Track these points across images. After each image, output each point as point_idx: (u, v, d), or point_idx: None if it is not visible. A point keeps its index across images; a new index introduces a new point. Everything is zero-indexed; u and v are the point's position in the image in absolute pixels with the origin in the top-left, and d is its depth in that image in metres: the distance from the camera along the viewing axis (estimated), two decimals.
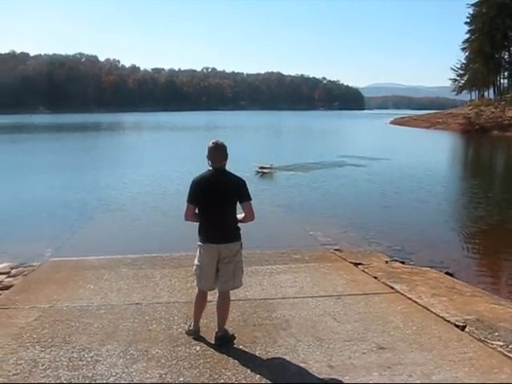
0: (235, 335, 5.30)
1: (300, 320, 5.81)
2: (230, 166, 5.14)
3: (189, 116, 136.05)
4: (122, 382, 4.43)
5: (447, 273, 8.79)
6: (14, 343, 5.25)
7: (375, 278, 7.68)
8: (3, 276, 8.70)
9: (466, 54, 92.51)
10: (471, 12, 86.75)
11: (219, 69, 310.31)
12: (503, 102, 67.96)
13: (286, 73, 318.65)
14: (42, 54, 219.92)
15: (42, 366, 4.74)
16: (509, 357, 4.84)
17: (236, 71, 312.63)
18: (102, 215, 14.86)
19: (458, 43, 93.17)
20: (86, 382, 4.44)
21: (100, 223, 13.83)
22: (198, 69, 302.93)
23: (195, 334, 5.35)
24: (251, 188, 5.21)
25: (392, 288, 7.11)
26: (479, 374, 4.50)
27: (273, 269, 8.06)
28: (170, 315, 5.98)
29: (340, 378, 4.45)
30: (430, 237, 12.13)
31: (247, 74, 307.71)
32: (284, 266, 8.27)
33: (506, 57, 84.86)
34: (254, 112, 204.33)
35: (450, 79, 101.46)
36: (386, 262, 9.23)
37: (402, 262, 9.46)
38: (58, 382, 4.44)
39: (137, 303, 6.48)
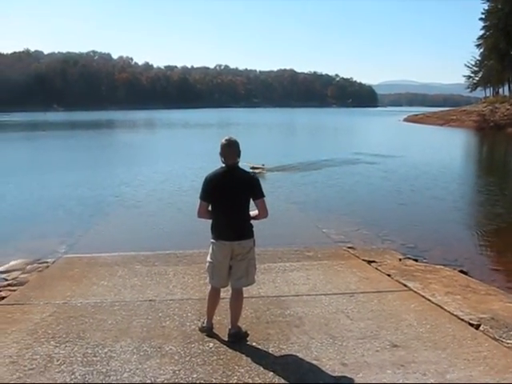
0: (248, 332, 5.31)
1: (313, 317, 5.80)
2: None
3: (201, 113, 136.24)
4: (136, 378, 4.46)
5: (461, 271, 8.72)
6: (30, 338, 5.31)
7: (388, 275, 7.66)
8: (18, 272, 8.81)
9: (481, 50, 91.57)
10: (486, 8, 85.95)
11: (232, 66, 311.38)
12: None
13: (298, 70, 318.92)
14: (56, 51, 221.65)
15: (57, 361, 4.79)
16: None
17: (249, 68, 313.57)
18: (116, 212, 14.92)
19: (472, 40, 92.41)
20: (100, 377, 4.47)
21: (114, 220, 13.88)
22: (211, 66, 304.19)
23: (208, 331, 5.37)
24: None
25: (405, 286, 7.09)
26: (494, 373, 4.48)
27: (286, 266, 8.07)
28: (184, 312, 6.00)
29: (353, 376, 4.44)
30: (444, 234, 12.04)
31: (260, 72, 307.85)
32: (297, 263, 8.28)
33: None
34: (267, 109, 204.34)
35: (464, 76, 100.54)
36: (400, 259, 9.19)
37: (416, 260, 9.41)
38: (72, 377, 4.48)
39: (150, 300, 6.51)
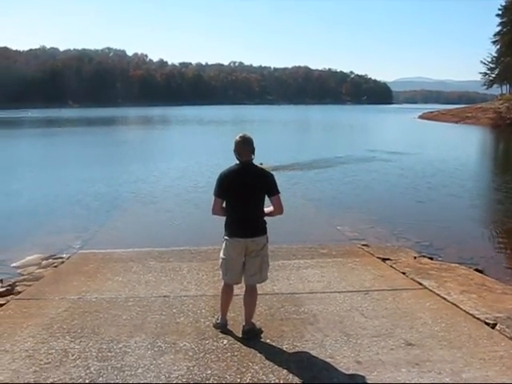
0: (263, 329, 5.31)
1: (327, 315, 5.79)
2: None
3: (216, 110, 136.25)
4: (150, 373, 4.48)
5: (477, 269, 8.64)
6: (45, 333, 5.35)
7: (403, 273, 7.62)
8: (34, 267, 8.89)
9: (497, 47, 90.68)
10: (503, 4, 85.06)
11: (246, 63, 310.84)
12: None
13: (313, 67, 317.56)
14: (72, 49, 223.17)
15: (72, 356, 4.83)
16: None
17: (263, 65, 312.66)
18: (131, 208, 14.97)
19: (488, 36, 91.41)
20: (115, 372, 4.50)
21: (129, 216, 13.93)
22: (226, 63, 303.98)
23: (223, 328, 5.38)
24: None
25: (420, 284, 7.05)
26: (510, 373, 4.44)
27: (300, 263, 8.06)
28: (198, 308, 6.02)
29: (368, 374, 4.42)
30: (459, 232, 11.94)
31: (274, 68, 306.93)
32: (311, 260, 8.25)
33: None
34: (281, 106, 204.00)
35: (480, 73, 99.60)
36: (415, 257, 9.13)
37: (431, 258, 9.35)
38: (87, 372, 4.51)
39: (164, 296, 6.53)
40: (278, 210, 5.12)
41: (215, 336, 5.24)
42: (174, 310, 5.99)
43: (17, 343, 5.11)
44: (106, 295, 6.61)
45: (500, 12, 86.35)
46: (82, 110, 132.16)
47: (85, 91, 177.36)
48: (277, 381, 4.34)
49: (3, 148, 36.78)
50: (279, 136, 50.12)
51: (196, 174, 21.24)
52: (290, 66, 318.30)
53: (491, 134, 56.13)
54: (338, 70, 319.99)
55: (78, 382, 4.35)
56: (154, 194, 17.07)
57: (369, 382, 4.32)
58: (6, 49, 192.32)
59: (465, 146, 39.81)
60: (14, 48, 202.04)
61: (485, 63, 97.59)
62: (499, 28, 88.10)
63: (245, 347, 4.97)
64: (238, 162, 5.06)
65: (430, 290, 6.75)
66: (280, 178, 17.89)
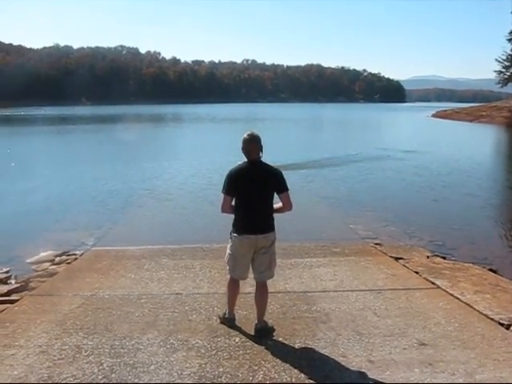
0: (275, 327, 5.31)
1: (340, 314, 5.79)
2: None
3: (229, 108, 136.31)
4: (163, 370, 4.50)
5: (491, 269, 8.57)
6: (59, 329, 5.40)
7: (416, 272, 7.59)
8: (48, 264, 8.95)
9: None
10: None
11: (259, 61, 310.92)
12: None
13: (326, 65, 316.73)
14: (85, 46, 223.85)
15: (85, 352, 4.86)
16: None
17: (276, 63, 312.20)
18: (145, 205, 14.99)
19: (504, 34, 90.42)
20: (128, 369, 4.53)
21: (142, 213, 13.96)
22: (238, 61, 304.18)
23: (231, 322, 5.44)
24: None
25: (433, 283, 7.02)
26: None
27: (312, 262, 8.04)
28: (210, 306, 6.04)
29: (380, 374, 4.41)
30: (473, 232, 11.84)
31: (287, 66, 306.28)
32: (324, 259, 8.24)
33: None
34: (294, 104, 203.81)
35: (495, 71, 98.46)
36: (428, 256, 9.08)
37: (444, 258, 9.28)
38: (100, 368, 4.54)
39: (177, 293, 6.56)
40: (287, 206, 5.16)
41: (227, 334, 5.25)
42: (187, 308, 6.01)
43: (31, 339, 5.17)
44: (119, 292, 6.64)
45: None
46: (95, 108, 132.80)
47: (98, 89, 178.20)
48: (289, 379, 4.35)
49: (19, 145, 37.03)
50: (292, 134, 50.07)
51: (210, 172, 21.21)
52: (302, 63, 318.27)
53: (506, 132, 55.60)
54: (351, 68, 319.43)
55: (91, 377, 4.38)
56: (168, 191, 17.09)
57: (381, 381, 4.30)
58: (20, 47, 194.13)
59: (479, 144, 39.50)
60: (28, 46, 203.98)
61: (500, 61, 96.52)
62: None
63: (257, 345, 4.98)
64: (246, 160, 5.11)
65: (444, 290, 6.71)
66: (294, 176, 18.00)
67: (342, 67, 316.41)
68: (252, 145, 5.06)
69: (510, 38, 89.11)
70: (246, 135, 5.10)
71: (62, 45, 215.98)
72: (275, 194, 5.16)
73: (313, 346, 4.97)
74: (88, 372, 4.48)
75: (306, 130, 62.00)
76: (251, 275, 5.29)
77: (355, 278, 7.18)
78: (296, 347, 4.96)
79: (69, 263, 8.56)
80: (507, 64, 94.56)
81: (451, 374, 4.42)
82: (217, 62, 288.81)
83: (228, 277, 5.44)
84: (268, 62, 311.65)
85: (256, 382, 4.31)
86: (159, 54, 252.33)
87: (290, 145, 33.44)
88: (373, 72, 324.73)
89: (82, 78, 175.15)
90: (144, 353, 4.85)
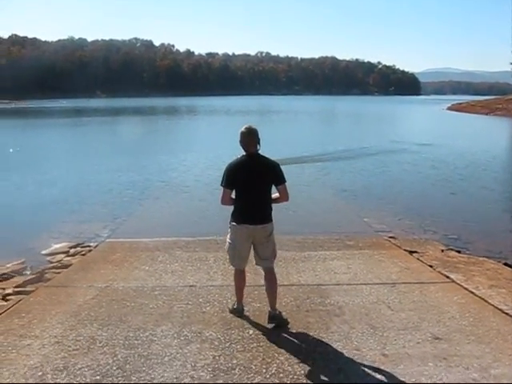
0: (289, 320, 5.32)
1: (353, 307, 5.78)
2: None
3: (243, 100, 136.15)
4: (176, 362, 4.53)
5: (506, 264, 8.49)
6: (73, 320, 5.44)
7: (430, 266, 7.55)
8: (62, 255, 9.03)
9: None
10: None
11: (273, 53, 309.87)
12: None
13: (340, 57, 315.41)
14: (99, 39, 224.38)
15: (100, 343, 4.90)
16: None
17: (290, 55, 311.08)
18: (160, 197, 15.05)
19: None
20: (142, 360, 4.56)
21: (157, 205, 14.02)
22: (252, 53, 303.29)
23: (240, 313, 5.52)
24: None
25: (448, 277, 6.98)
26: None
27: (326, 254, 8.03)
28: (224, 298, 6.05)
29: (394, 368, 4.40)
30: (488, 226, 11.71)
31: (301, 59, 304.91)
32: (337, 252, 8.23)
33: None
34: (308, 97, 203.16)
35: None
36: (442, 250, 9.04)
37: (459, 252, 9.23)
38: (114, 359, 4.57)
39: (191, 285, 6.58)
40: (284, 197, 5.29)
41: (241, 326, 5.27)
42: (200, 300, 6.03)
43: (46, 329, 5.21)
44: (133, 284, 6.68)
45: None
46: (109, 100, 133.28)
47: (112, 81, 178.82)
48: (302, 372, 4.35)
49: (37, 137, 37.29)
50: (307, 126, 49.95)
51: (226, 164, 21.21)
52: (317, 56, 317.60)
53: None
54: (366, 61, 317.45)
55: (106, 368, 4.41)
56: (184, 183, 17.19)
57: (395, 375, 4.29)
58: (35, 39, 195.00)
59: (495, 138, 39.13)
60: (43, 39, 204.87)
61: None
62: None
63: (270, 338, 4.98)
64: (244, 153, 5.22)
65: (458, 284, 6.68)
66: (310, 169, 17.98)
67: (357, 59, 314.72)
68: (250, 138, 5.16)
69: None
70: (243, 129, 5.19)
71: (76, 37, 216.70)
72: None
73: (326, 339, 4.96)
74: (102, 363, 4.51)
75: (321, 122, 61.88)
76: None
77: (369, 272, 7.16)
78: (309, 340, 4.96)
79: (83, 255, 8.63)
80: None
81: (465, 368, 4.39)
82: (231, 54, 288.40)
83: (231, 268, 5.61)
84: (282, 55, 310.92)
85: (269, 374, 4.32)
86: (173, 46, 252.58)
87: (306, 137, 33.29)
88: (387, 64, 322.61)
89: (97, 70, 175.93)
90: (158, 344, 4.87)
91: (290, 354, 4.65)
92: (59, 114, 74.96)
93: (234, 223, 5.29)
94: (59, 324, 5.35)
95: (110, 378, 4.26)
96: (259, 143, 5.20)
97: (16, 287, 7.22)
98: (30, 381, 4.24)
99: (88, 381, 4.23)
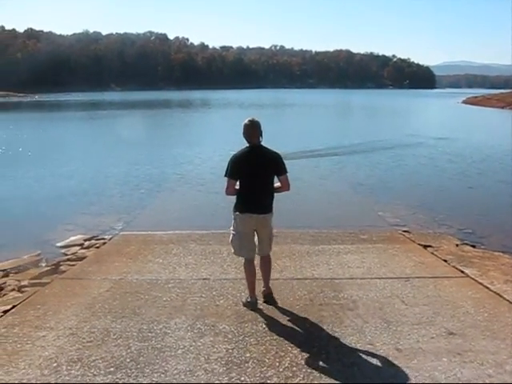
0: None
1: (367, 301, 5.76)
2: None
3: (257, 93, 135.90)
4: (190, 355, 4.54)
5: None
6: (88, 312, 5.48)
7: (445, 261, 7.51)
8: (77, 248, 9.10)
9: None
10: None
11: (287, 46, 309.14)
12: None
13: (355, 50, 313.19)
14: (114, 33, 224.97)
15: (114, 335, 4.94)
16: None
17: (304, 49, 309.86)
18: (175, 190, 15.12)
19: None
20: (155, 353, 4.58)
21: (172, 198, 14.09)
22: (267, 46, 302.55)
23: (253, 306, 5.59)
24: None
25: (462, 272, 6.95)
26: None
27: (340, 248, 8.01)
28: (237, 291, 6.06)
29: (407, 362, 4.38)
30: (504, 220, 11.55)
31: (316, 52, 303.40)
32: (351, 245, 8.21)
33: None
34: (322, 90, 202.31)
35: None
36: (457, 245, 8.98)
37: (473, 246, 9.17)
38: (128, 351, 4.60)
39: (204, 278, 6.60)
40: (285, 187, 5.51)
41: (254, 319, 5.28)
42: (214, 293, 6.05)
43: (61, 321, 5.26)
44: (147, 277, 6.71)
45: None
46: (124, 94, 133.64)
47: (127, 74, 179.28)
48: (315, 366, 4.35)
49: (54, 130, 37.53)
50: (322, 120, 49.75)
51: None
52: (331, 49, 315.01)
53: None
54: (380, 54, 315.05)
55: (120, 360, 4.44)
56: (199, 175, 17.28)
57: (409, 370, 4.27)
58: (50, 33, 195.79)
59: (511, 131, 38.71)
60: (58, 32, 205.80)
61: None
62: None
63: (284, 331, 4.99)
64: (247, 144, 5.42)
65: (473, 279, 6.63)
66: (326, 162, 17.91)
67: (371, 53, 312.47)
68: (253, 130, 5.37)
69: None
70: (246, 121, 5.40)
71: (91, 31, 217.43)
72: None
73: (340, 333, 4.96)
74: (116, 355, 4.54)
75: (336, 115, 61.66)
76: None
77: (383, 266, 7.13)
78: (323, 334, 4.96)
79: (98, 247, 8.69)
80: None
81: (480, 364, 4.36)
82: (245, 47, 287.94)
83: (238, 259, 5.88)
84: (296, 48, 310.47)
85: (283, 367, 4.32)
86: (187, 39, 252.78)
87: (321, 131, 33.12)
88: (402, 58, 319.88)
89: (111, 63, 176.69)
90: (171, 337, 4.90)
91: (304, 348, 4.65)
92: (75, 107, 75.42)
93: (237, 213, 5.47)
94: (74, 316, 5.39)
95: (124, 370, 4.29)
96: (262, 135, 5.41)
97: (31, 279, 7.30)
98: (45, 371, 4.28)
99: (102, 372, 4.26)
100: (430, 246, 8.42)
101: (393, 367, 4.32)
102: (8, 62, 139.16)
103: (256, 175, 5.35)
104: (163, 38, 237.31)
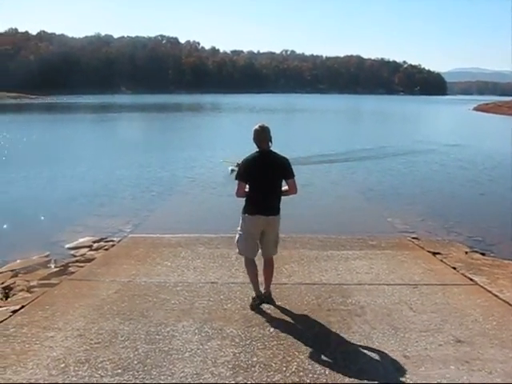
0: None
1: (375, 307, 5.74)
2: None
3: (267, 98, 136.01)
4: (197, 358, 4.55)
5: None
6: (96, 314, 5.50)
7: (454, 268, 7.47)
8: (86, 249, 9.15)
9: None
10: None
11: (298, 51, 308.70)
12: None
13: (365, 56, 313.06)
14: (125, 36, 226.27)
15: (121, 337, 4.95)
16: None
17: (315, 54, 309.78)
18: (187, 193, 15.22)
19: None
20: (162, 355, 4.59)
21: (181, 201, 14.15)
22: (277, 51, 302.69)
23: (260, 299, 5.76)
24: None
25: (471, 280, 6.90)
26: None
27: (348, 254, 7.99)
28: (245, 295, 6.06)
29: (415, 369, 4.36)
30: None
31: (326, 57, 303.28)
32: (360, 251, 8.18)
33: None
34: (333, 95, 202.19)
35: None
36: (466, 252, 8.95)
37: (483, 254, 9.13)
38: (136, 353, 4.61)
39: (212, 282, 6.60)
40: (293, 190, 5.67)
41: (262, 324, 5.27)
42: (222, 297, 6.05)
43: (69, 322, 5.29)
44: (155, 279, 6.72)
45: None
46: (135, 97, 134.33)
47: (138, 78, 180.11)
48: (322, 371, 4.34)
49: (66, 132, 37.80)
50: (333, 125, 49.83)
51: None
52: (342, 54, 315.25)
53: None
54: (391, 60, 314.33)
55: (127, 362, 4.45)
56: (210, 179, 17.40)
57: (416, 377, 4.25)
58: (62, 36, 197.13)
59: None
60: (70, 35, 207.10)
61: None
62: None
63: (291, 336, 4.98)
64: (257, 149, 5.57)
65: (482, 287, 6.59)
66: (338, 168, 17.93)
67: (382, 58, 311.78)
68: (263, 135, 5.54)
69: None
70: (257, 127, 5.57)
71: (102, 34, 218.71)
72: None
73: (347, 339, 4.94)
74: (124, 357, 4.56)
75: (348, 121, 61.64)
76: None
77: (391, 272, 7.11)
78: (330, 339, 4.95)
79: (106, 249, 8.72)
80: None
81: (488, 372, 4.33)
82: (256, 52, 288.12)
83: (240, 257, 6.02)
84: (307, 53, 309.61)
85: (289, 372, 4.31)
86: (198, 43, 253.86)
87: (333, 136, 33.09)
88: (413, 64, 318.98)
89: (122, 66, 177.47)
90: (179, 340, 4.90)
91: (311, 353, 4.64)
92: (85, 109, 75.91)
93: (246, 214, 5.62)
94: (82, 317, 5.41)
95: (131, 372, 4.30)
96: (271, 140, 5.56)
97: (40, 280, 7.34)
98: (53, 372, 4.30)
99: (109, 374, 4.28)
100: (439, 253, 8.38)
101: (400, 374, 4.30)
102: (20, 64, 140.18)
103: (265, 178, 5.51)
104: (174, 41, 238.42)
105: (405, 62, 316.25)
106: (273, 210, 5.60)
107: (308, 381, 4.20)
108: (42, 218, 11.95)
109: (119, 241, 9.19)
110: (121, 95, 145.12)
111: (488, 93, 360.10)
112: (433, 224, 11.52)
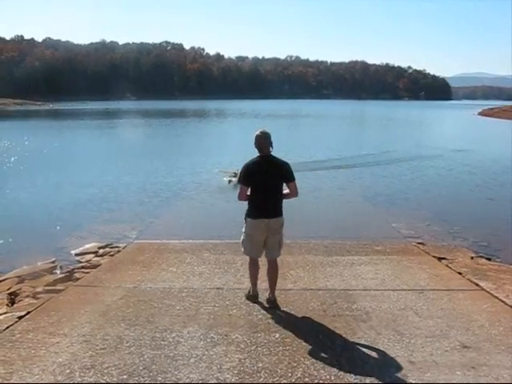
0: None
1: (380, 313, 5.73)
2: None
3: (272, 104, 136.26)
4: (202, 363, 4.54)
5: None
6: (101, 319, 5.51)
7: (459, 273, 7.44)
8: (91, 255, 9.16)
9: None
10: None
11: (303, 57, 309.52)
12: None
13: (370, 61, 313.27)
14: (130, 42, 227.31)
15: (127, 343, 4.95)
16: None
17: (320, 59, 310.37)
18: (189, 199, 15.23)
19: None
20: (168, 361, 4.59)
21: (185, 207, 14.16)
22: (282, 57, 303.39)
23: (254, 298, 6.01)
24: None
25: (477, 285, 6.87)
26: None
27: (354, 260, 7.98)
28: (250, 301, 6.04)
29: (421, 375, 4.35)
30: None
31: (331, 63, 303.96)
32: (365, 257, 8.16)
33: None
34: (337, 101, 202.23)
35: None
36: (472, 257, 8.91)
37: (489, 259, 9.08)
38: (141, 359, 4.61)
39: (218, 288, 6.60)
40: (294, 193, 5.85)
41: (267, 329, 5.27)
42: (227, 302, 6.05)
43: (75, 328, 5.29)
44: (161, 285, 6.73)
45: None
46: (139, 103, 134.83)
47: (143, 84, 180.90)
48: (328, 377, 4.33)
49: (72, 138, 37.95)
50: (339, 131, 49.84)
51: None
52: (346, 60, 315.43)
53: None
54: (396, 65, 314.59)
55: (133, 368, 4.46)
56: (218, 184, 17.44)
57: (422, 383, 4.23)
58: (68, 42, 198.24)
59: None
60: (75, 42, 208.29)
61: None
62: None
63: (296, 342, 4.97)
64: (258, 154, 5.74)
65: (488, 292, 6.56)
66: (345, 173, 17.93)
67: (387, 64, 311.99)
68: (264, 141, 5.70)
69: None
70: (258, 132, 5.73)
71: (108, 40, 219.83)
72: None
73: (353, 345, 4.93)
74: (129, 362, 4.56)
75: (353, 127, 61.60)
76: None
77: (397, 277, 7.09)
78: (336, 345, 4.93)
79: (112, 255, 8.73)
80: None
81: (495, 378, 4.31)
82: (260, 58, 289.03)
83: (246, 258, 6.13)
84: (312, 59, 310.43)
85: (295, 378, 4.31)
86: (203, 49, 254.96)
87: (339, 142, 33.06)
88: (418, 69, 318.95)
89: (127, 73, 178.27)
90: (184, 346, 4.90)
91: (316, 359, 4.63)
92: (91, 115, 76.08)
93: (250, 218, 5.80)
94: (87, 323, 5.42)
95: (137, 378, 4.30)
96: (272, 145, 5.73)
97: (46, 285, 7.35)
98: (59, 378, 4.31)
99: (115, 380, 4.28)
100: (444, 259, 8.35)
101: (406, 380, 4.28)
102: (26, 71, 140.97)
103: (266, 182, 5.69)
104: (179, 47, 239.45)
105: (409, 67, 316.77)
106: (275, 212, 5.76)
107: None
108: (48, 224, 11.98)
109: (125, 247, 9.19)
110: (126, 101, 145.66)
111: (493, 97, 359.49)
112: (438, 229, 11.49)
